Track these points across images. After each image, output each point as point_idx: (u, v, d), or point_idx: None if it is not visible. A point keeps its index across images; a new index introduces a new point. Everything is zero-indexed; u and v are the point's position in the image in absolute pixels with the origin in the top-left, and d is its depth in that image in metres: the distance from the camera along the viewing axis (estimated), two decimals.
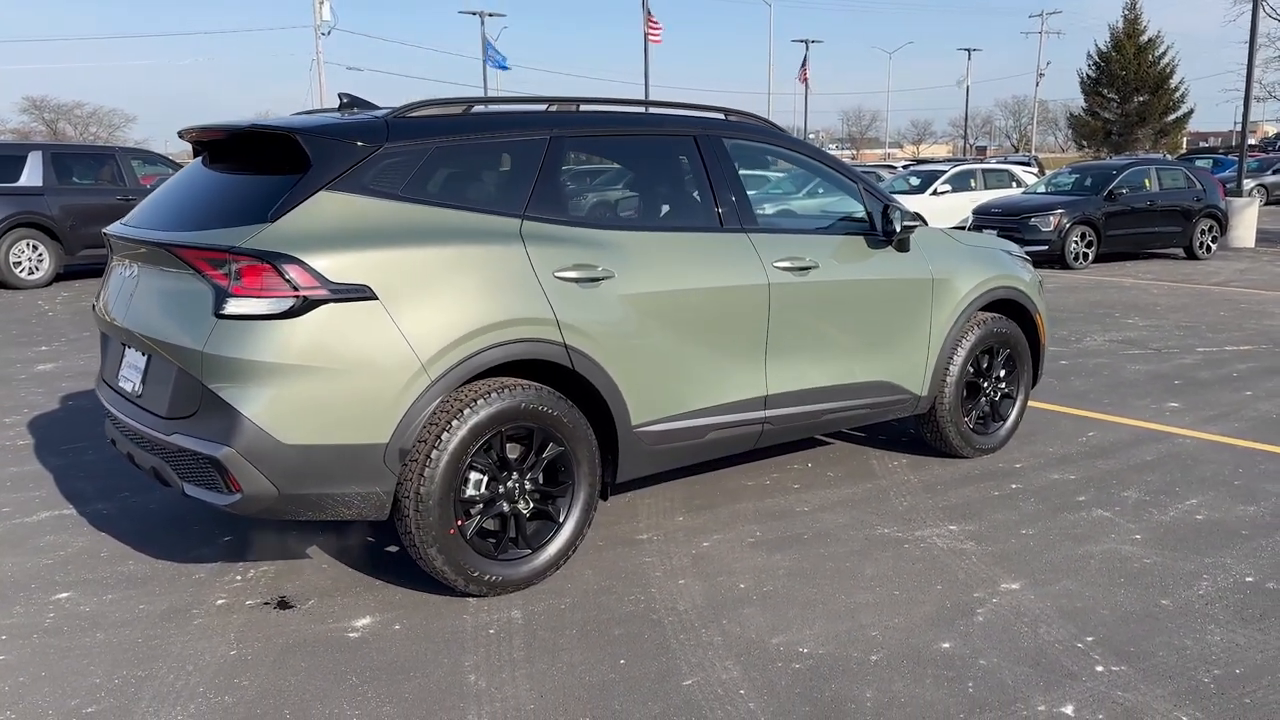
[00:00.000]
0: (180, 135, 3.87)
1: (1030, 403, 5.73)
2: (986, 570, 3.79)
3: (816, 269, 4.29)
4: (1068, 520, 4.31)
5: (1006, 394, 5.30)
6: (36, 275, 12.54)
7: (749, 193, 4.29)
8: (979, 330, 5.01)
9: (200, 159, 3.84)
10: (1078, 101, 59.06)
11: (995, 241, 5.44)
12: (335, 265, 3.14)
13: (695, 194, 4.20)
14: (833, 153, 5.08)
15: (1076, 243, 14.77)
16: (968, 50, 59.97)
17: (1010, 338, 5.20)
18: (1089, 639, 3.23)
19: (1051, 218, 14.73)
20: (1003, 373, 5.26)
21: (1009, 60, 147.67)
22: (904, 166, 27.80)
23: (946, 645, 3.19)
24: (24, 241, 12.42)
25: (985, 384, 5.18)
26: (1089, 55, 55.19)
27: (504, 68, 41.14)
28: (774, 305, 4.15)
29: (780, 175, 17.37)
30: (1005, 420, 5.31)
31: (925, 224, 4.79)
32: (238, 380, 3.09)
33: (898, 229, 4.51)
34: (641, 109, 4.24)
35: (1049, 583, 3.67)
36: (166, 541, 4.06)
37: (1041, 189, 17.12)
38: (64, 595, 3.58)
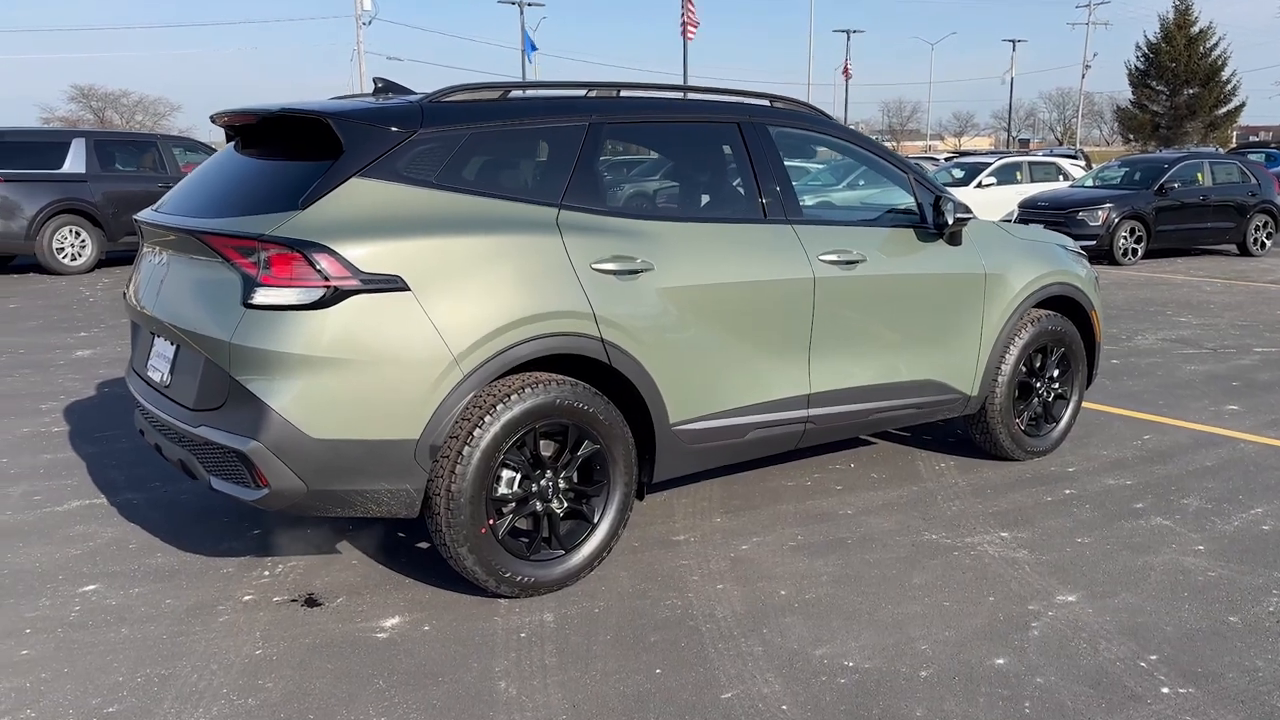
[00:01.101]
0: (213, 120, 3.78)
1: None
2: (1041, 581, 3.61)
3: (864, 262, 4.12)
4: (1126, 529, 4.12)
5: (1060, 394, 5.10)
6: (79, 262, 12.64)
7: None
8: (1032, 328, 4.81)
9: (233, 144, 3.76)
10: (1124, 94, 57.96)
11: (1049, 235, 5.23)
12: (367, 255, 3.04)
13: (738, 183, 4.04)
14: None
15: (1125, 238, 14.41)
16: (1012, 41, 59.06)
17: (1065, 336, 4.99)
18: (1153, 658, 3.05)
19: (1100, 212, 14.38)
20: (1056, 372, 5.05)
21: (1054, 52, 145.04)
22: (945, 159, 27.34)
23: (1000, 661, 3.03)
24: (67, 228, 12.52)
25: (1038, 384, 4.98)
26: (1137, 46, 54.13)
27: (531, 49, 41.38)
28: (819, 300, 3.99)
29: (820, 166, 17.14)
30: (1058, 422, 5.11)
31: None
32: (266, 372, 3.00)
33: (950, 221, 4.32)
34: (683, 95, 4.08)
35: (1108, 595, 3.49)
36: (195, 534, 3.99)
37: (1089, 183, 16.72)
38: (90, 588, 3.52)
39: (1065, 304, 5.04)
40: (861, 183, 13.51)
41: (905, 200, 4.47)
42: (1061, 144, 71.26)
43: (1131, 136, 56.82)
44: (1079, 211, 14.48)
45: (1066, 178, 18.70)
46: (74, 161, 12.67)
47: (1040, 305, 4.91)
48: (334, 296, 3.00)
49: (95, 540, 3.95)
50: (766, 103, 4.19)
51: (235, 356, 3.02)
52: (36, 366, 7.12)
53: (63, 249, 12.51)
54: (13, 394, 6.32)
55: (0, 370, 7.02)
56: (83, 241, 12.66)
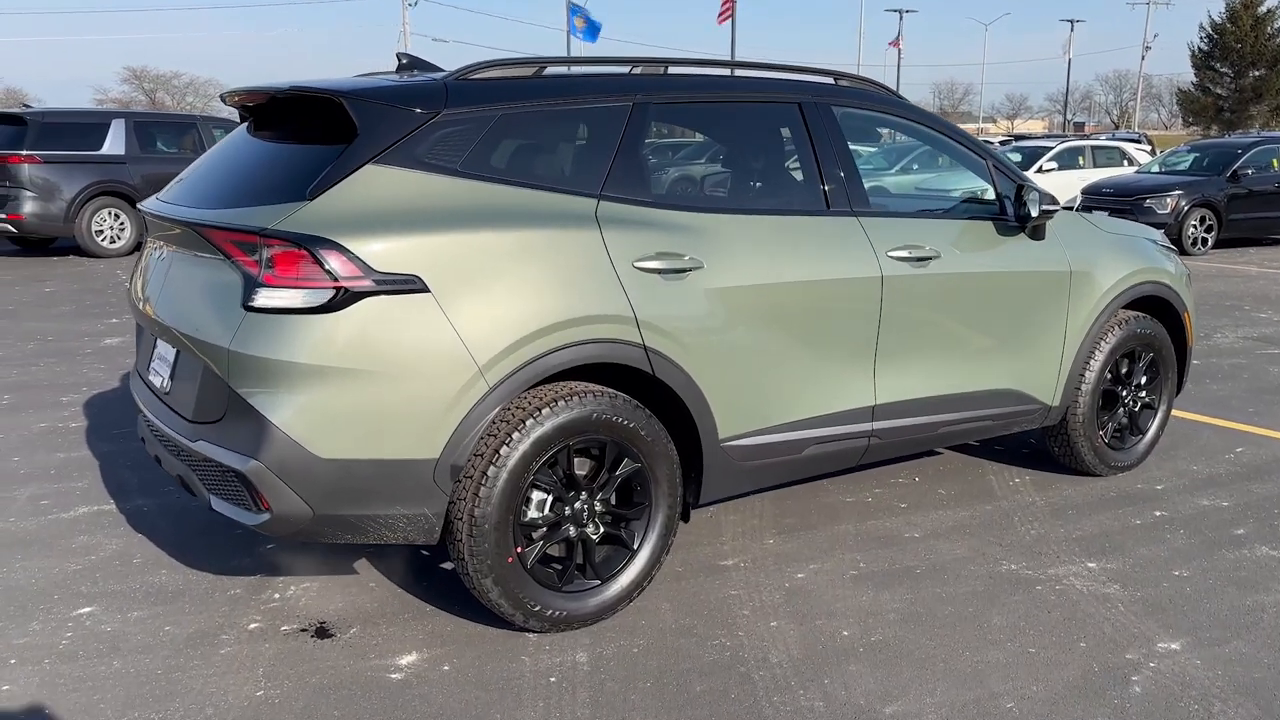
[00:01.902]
0: (223, 100, 3.46)
1: None
2: (1138, 624, 3.19)
3: (937, 259, 3.70)
4: (1228, 560, 3.67)
5: (1147, 404, 4.64)
6: (118, 244, 12.52)
7: None
8: (1120, 331, 4.36)
9: (246, 126, 3.43)
10: (1185, 76, 56.14)
11: (1139, 228, 4.75)
12: (382, 251, 2.69)
13: (798, 170, 3.64)
14: None
15: (1195, 227, 13.75)
16: (1070, 21, 57.27)
17: (1154, 340, 4.53)
18: None
19: (1168, 199, 13.72)
20: (1144, 379, 4.59)
21: (1112, 32, 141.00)
22: (1000, 142, 26.48)
23: None
24: (106, 210, 12.40)
25: (1124, 392, 4.52)
26: (1201, 27, 52.37)
27: (593, 37, 37.66)
28: (887, 301, 3.58)
29: (872, 150, 16.55)
30: (1144, 434, 4.65)
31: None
32: (268, 383, 2.67)
33: (1034, 213, 3.88)
34: (741, 72, 3.67)
35: (1217, 643, 3.06)
36: (204, 548, 3.70)
37: (1156, 169, 15.98)
38: (86, 610, 3.23)
39: (1155, 304, 4.58)
40: (933, 170, 12.96)
41: (983, 189, 4.03)
42: (1118, 128, 69.31)
43: (1193, 120, 55.04)
44: (1146, 199, 13.82)
45: (1131, 163, 17.94)
46: (113, 143, 12.55)
47: (1128, 306, 4.45)
48: (344, 299, 2.65)
49: (98, 553, 3.67)
50: (830, 81, 3.77)
51: (234, 365, 2.69)
52: (63, 355, 6.92)
53: (101, 231, 12.41)
54: (35, 384, 6.11)
55: (27, 358, 6.83)
56: (121, 224, 12.54)
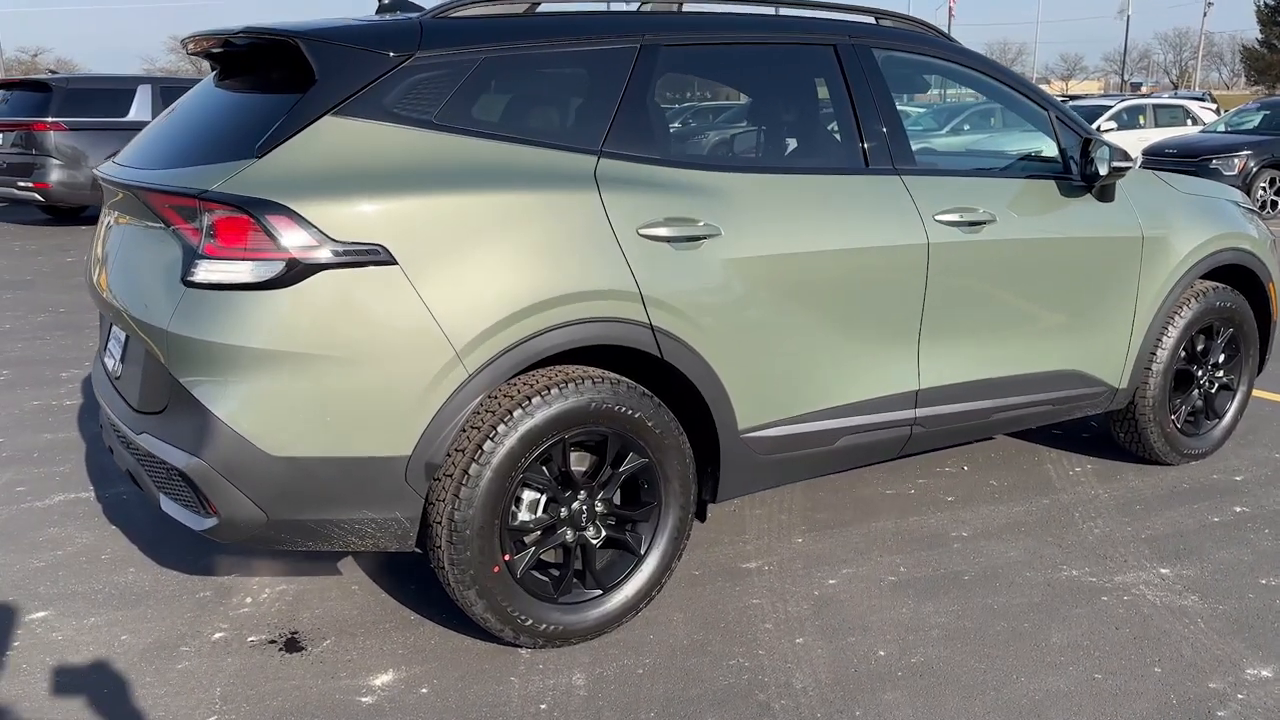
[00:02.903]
0: (183, 46, 3.10)
1: None
2: (1222, 644, 2.76)
3: (992, 223, 3.25)
4: None
5: (1225, 384, 4.16)
6: None
7: None
8: (1197, 304, 3.87)
9: (212, 77, 3.07)
10: (1249, 33, 53.79)
11: (1218, 188, 4.24)
12: (340, 217, 2.32)
13: (833, 123, 3.21)
14: None
15: (1265, 189, 12.99)
16: None
17: (1235, 314, 4.03)
18: None
19: (1236, 160, 12.94)
20: (1222, 358, 4.11)
21: None
22: None
23: None
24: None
25: (1199, 372, 4.04)
26: None
27: None
28: (934, 272, 3.14)
29: (920, 110, 15.86)
30: (1221, 418, 4.18)
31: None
32: (211, 370, 2.32)
33: (1103, 171, 3.40)
34: (767, 9, 3.22)
35: None
36: (179, 542, 3.39)
37: (1221, 128, 15.12)
38: (40, 615, 2.93)
39: (1236, 274, 4.08)
40: (986, 130, 12.30)
41: (1045, 145, 3.56)
42: (1177, 88, 66.87)
43: (1257, 79, 52.80)
44: (1212, 159, 13.04)
45: (1196, 122, 17.03)
46: (139, 109, 12.30)
47: (1206, 276, 3.96)
48: (297, 272, 2.29)
49: (66, 548, 3.38)
50: (871, 20, 3.31)
51: (174, 349, 2.35)
52: (71, 329, 6.68)
53: None
54: (38, 359, 5.87)
55: (35, 331, 6.61)
56: None
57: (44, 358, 5.91)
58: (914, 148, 3.25)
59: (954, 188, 3.24)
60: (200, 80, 3.16)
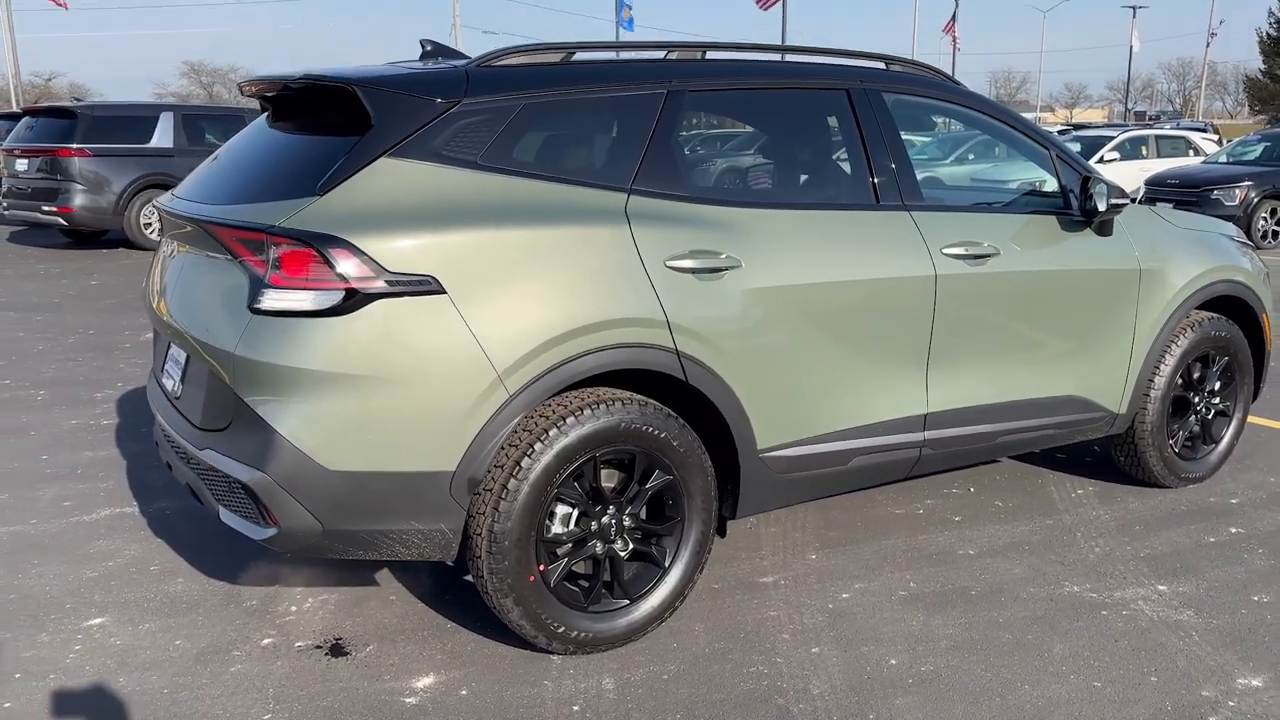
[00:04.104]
0: (241, 90, 3.32)
1: None
2: (1215, 655, 2.92)
3: (996, 256, 3.44)
4: None
5: (1221, 411, 4.33)
6: None
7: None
8: (1193, 333, 4.06)
9: (265, 118, 3.28)
10: (1252, 63, 54.23)
11: (1212, 223, 4.43)
12: (395, 250, 2.52)
13: (845, 162, 3.41)
14: None
15: (1266, 219, 13.17)
16: (1132, 8, 55.38)
17: (1230, 343, 4.22)
18: None
19: (1237, 191, 13.14)
20: (1218, 385, 4.29)
21: (1175, 18, 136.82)
22: (1059, 131, 25.74)
23: None
24: (154, 203, 12.45)
25: (1196, 399, 4.22)
26: (1270, 12, 50.48)
27: (630, 25, 38.35)
28: (941, 301, 3.33)
29: (926, 139, 16.11)
30: (1218, 443, 4.35)
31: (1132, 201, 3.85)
32: (274, 391, 2.51)
33: (1102, 207, 3.60)
34: (780, 56, 3.44)
35: None
36: (223, 554, 3.57)
37: (1223, 158, 15.34)
38: (97, 621, 3.11)
39: (1231, 305, 4.26)
40: (990, 160, 12.54)
41: (1045, 181, 3.76)
42: (1181, 116, 67.33)
43: (1260, 108, 53.23)
44: (1213, 190, 13.25)
45: (1197, 153, 17.27)
46: (162, 135, 12.61)
47: (1202, 306, 4.15)
48: (355, 301, 2.49)
49: (116, 559, 3.56)
50: (881, 65, 3.53)
51: (240, 371, 2.54)
52: (102, 350, 6.89)
53: (150, 224, 12.46)
54: (72, 380, 6.07)
55: (67, 353, 6.81)
56: None
57: (77, 379, 6.11)
58: (920, 177, 3.46)
59: (959, 222, 3.44)
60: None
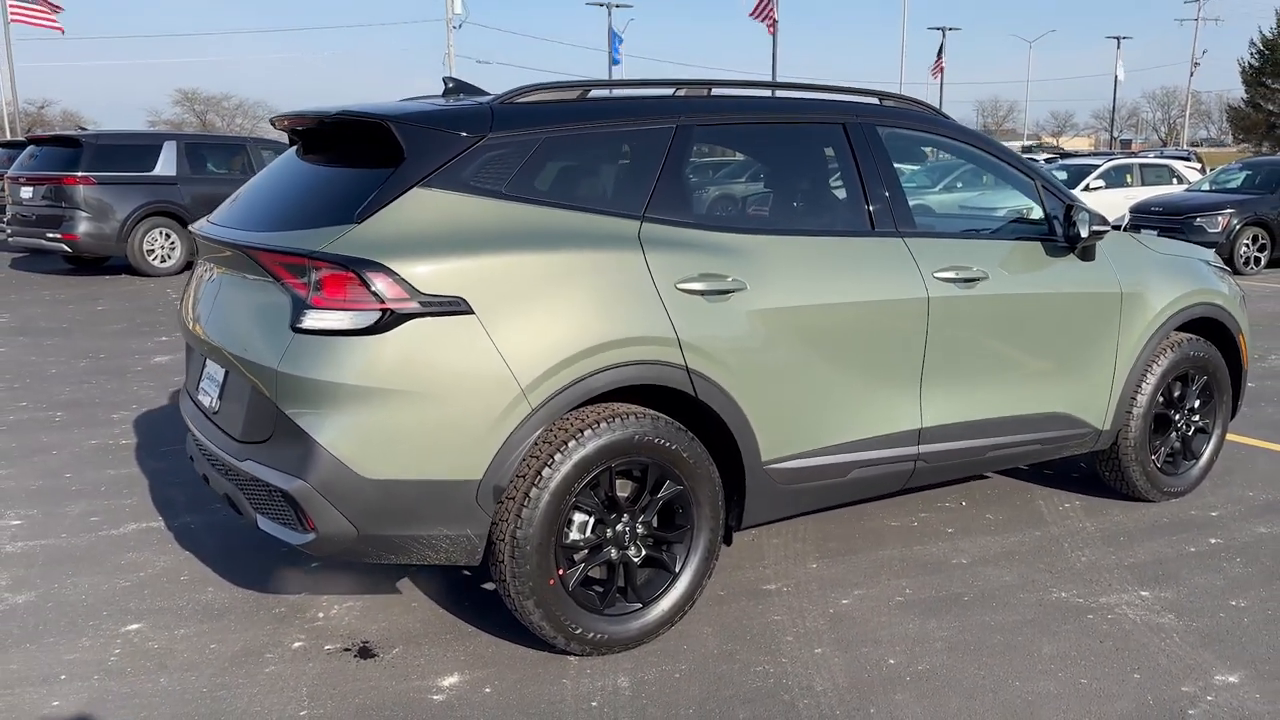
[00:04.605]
0: (273, 124, 3.52)
1: None
2: (1194, 655, 3.10)
3: (985, 280, 3.65)
4: None
5: (1200, 428, 4.54)
6: (168, 263, 12.77)
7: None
8: (1172, 354, 4.27)
9: (295, 150, 3.48)
10: (1235, 92, 55.15)
11: (1190, 249, 4.66)
12: (427, 273, 2.71)
13: (842, 191, 3.62)
14: None
15: (1247, 246, 13.48)
16: (1117, 39, 56.30)
17: (1208, 363, 4.43)
18: None
19: (1219, 218, 13.46)
20: (1197, 403, 4.49)
21: (1159, 49, 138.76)
22: (1045, 160, 26.17)
23: None
24: (157, 230, 12.65)
25: (1177, 416, 4.43)
26: (1252, 43, 51.31)
27: (616, 62, 39.84)
28: (934, 322, 3.54)
29: (916, 168, 16.41)
30: (1198, 459, 4.54)
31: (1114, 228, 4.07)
32: (315, 404, 2.69)
33: (1084, 234, 3.82)
34: (785, 92, 3.67)
35: (1278, 676, 2.97)
36: (251, 565, 3.73)
37: (1206, 186, 15.69)
38: (134, 627, 3.27)
39: (1209, 326, 4.48)
40: (978, 188, 12.83)
41: (1031, 209, 3.98)
42: (1165, 145, 68.25)
43: (1243, 137, 54.06)
44: (1197, 217, 13.57)
45: (1180, 181, 17.63)
46: (165, 164, 12.81)
47: (1181, 328, 4.36)
48: (390, 320, 2.68)
49: (147, 570, 3.72)
50: (875, 101, 3.75)
51: (282, 386, 2.72)
52: (114, 373, 7.05)
53: (153, 251, 12.65)
54: (88, 402, 6.23)
55: (79, 376, 6.97)
56: (172, 243, 12.78)
57: (93, 400, 6.27)
58: (911, 204, 3.67)
59: (950, 248, 3.65)
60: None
